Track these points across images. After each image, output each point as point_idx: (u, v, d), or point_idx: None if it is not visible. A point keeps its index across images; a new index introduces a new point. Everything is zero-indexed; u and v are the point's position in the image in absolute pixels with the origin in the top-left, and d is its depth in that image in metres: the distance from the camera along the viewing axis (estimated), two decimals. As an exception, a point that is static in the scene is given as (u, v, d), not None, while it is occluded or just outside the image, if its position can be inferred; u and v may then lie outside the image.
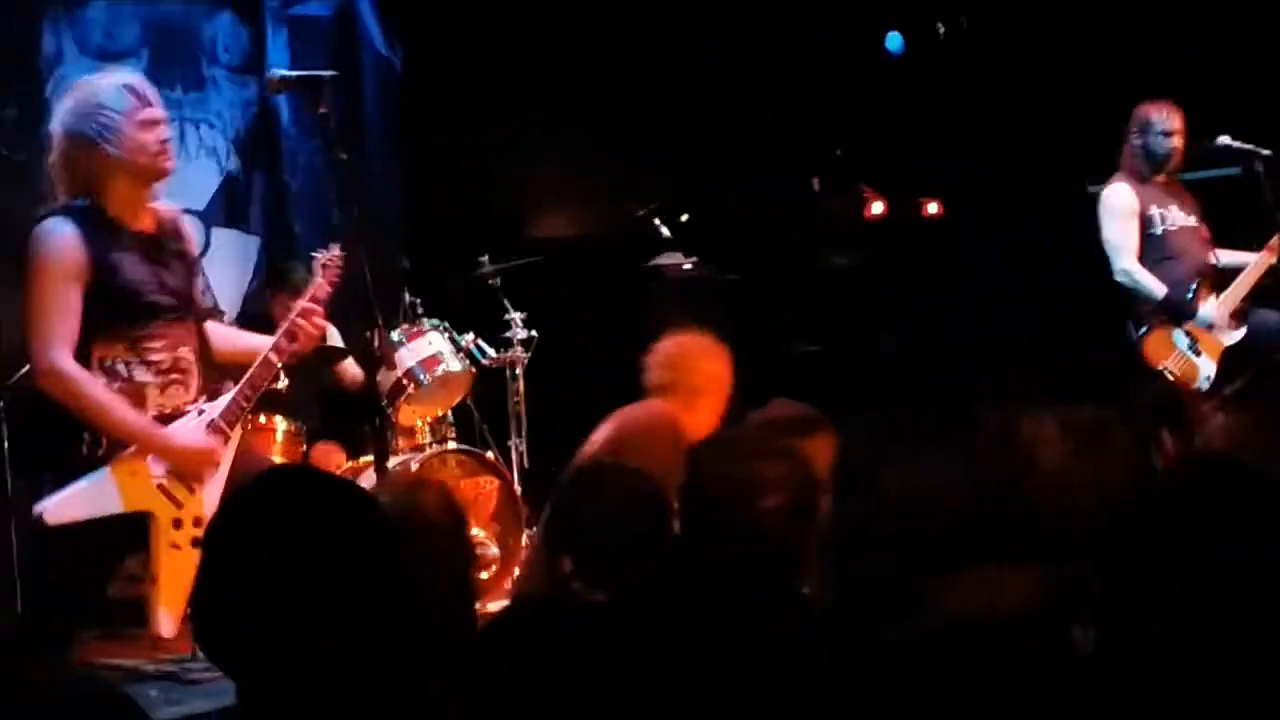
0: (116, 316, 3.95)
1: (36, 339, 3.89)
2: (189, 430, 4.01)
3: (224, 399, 4.13)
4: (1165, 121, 5.89)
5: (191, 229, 4.58)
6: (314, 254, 4.31)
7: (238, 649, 1.63)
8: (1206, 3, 7.16)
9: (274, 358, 4.21)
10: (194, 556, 3.22)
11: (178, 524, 4.00)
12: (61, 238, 3.89)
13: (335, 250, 4.24)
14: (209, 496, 4.05)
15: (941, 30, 7.75)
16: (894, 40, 8.05)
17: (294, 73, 4.89)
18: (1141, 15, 7.37)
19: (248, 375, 4.19)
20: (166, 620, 3.93)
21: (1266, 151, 5.70)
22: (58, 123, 4.03)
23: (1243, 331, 5.71)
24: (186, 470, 4.02)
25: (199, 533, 3.91)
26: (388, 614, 1.59)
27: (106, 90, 4.02)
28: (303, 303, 4.26)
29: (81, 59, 6.38)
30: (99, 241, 3.92)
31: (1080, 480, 2.37)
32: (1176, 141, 5.87)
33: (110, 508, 3.90)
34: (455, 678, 1.68)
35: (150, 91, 4.09)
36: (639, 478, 2.85)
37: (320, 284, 4.28)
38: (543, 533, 3.75)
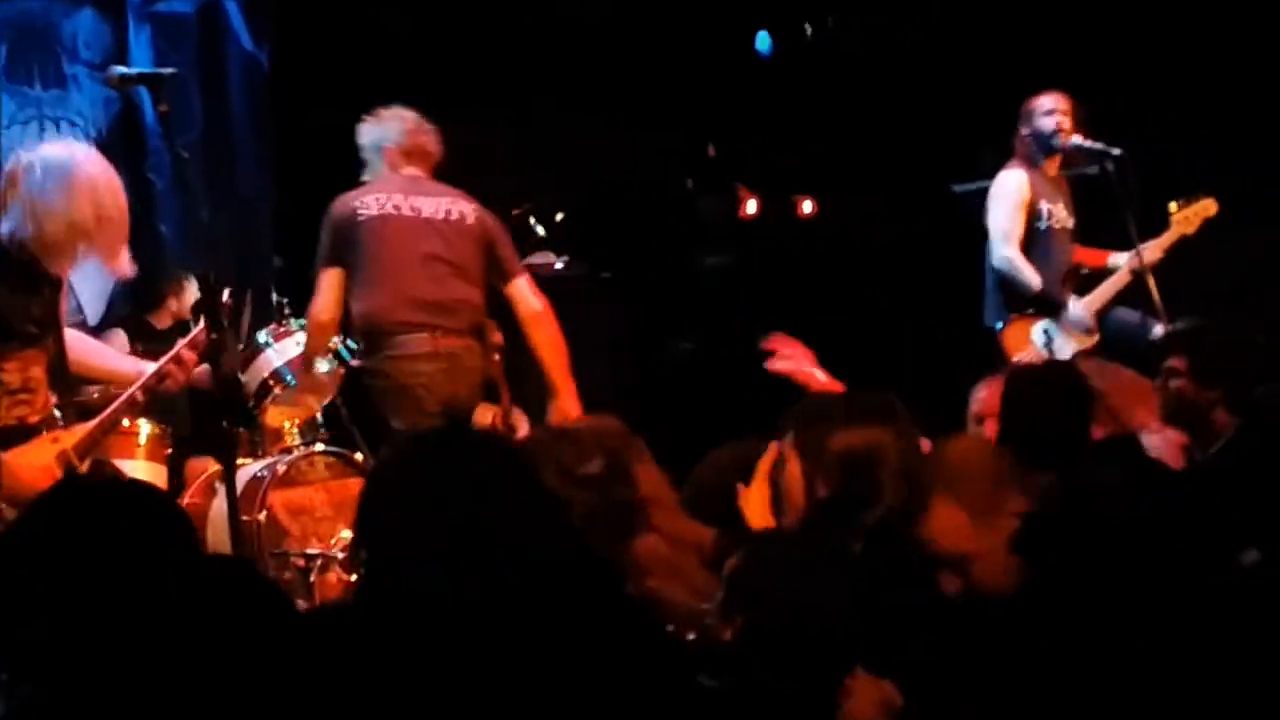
0: None
1: None
2: (35, 461, 3.90)
3: (80, 429, 4.05)
4: (1049, 102, 5.96)
5: None
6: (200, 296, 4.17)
7: (31, 658, 1.61)
8: (1071, 4, 7.33)
9: (139, 395, 4.15)
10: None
11: None
12: None
13: (224, 295, 4.11)
14: None
15: (809, 30, 7.85)
16: (763, 40, 8.13)
17: (133, 70, 4.81)
18: (1007, 15, 7.51)
19: (110, 410, 4.12)
20: None
21: (1117, 151, 5.80)
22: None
23: (1096, 339, 5.84)
24: (21, 500, 3.91)
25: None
26: (186, 617, 1.59)
27: None
28: (181, 346, 4.19)
29: (-65, 55, 6.26)
30: None
31: None
32: (1061, 120, 5.92)
33: None
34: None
35: None
36: None
37: (201, 329, 4.17)
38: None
